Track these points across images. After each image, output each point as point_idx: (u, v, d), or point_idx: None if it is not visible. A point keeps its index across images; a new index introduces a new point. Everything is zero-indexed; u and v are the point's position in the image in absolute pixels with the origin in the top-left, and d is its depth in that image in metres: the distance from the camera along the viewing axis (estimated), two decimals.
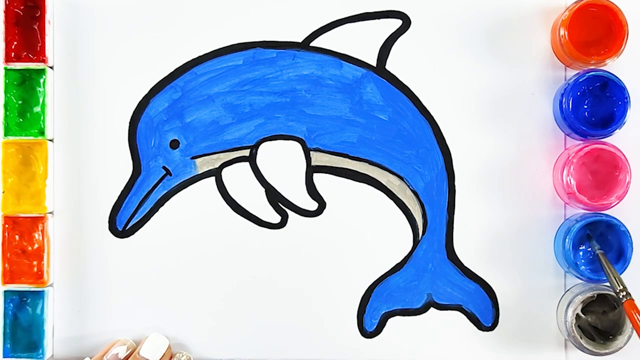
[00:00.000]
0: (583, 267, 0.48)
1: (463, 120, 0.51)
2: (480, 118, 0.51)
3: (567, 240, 0.47)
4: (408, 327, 0.51)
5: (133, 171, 0.51)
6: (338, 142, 0.51)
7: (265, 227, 0.51)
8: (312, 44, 0.51)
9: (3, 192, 0.50)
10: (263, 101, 0.51)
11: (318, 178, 0.51)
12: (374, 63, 0.51)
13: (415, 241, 0.51)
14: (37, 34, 0.51)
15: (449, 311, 0.51)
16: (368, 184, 0.51)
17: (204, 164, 0.51)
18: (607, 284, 0.48)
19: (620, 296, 0.44)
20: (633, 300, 0.44)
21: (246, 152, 0.51)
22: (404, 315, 0.51)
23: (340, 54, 0.51)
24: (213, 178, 0.51)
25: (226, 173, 0.51)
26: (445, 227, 0.51)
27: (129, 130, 0.51)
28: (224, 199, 0.51)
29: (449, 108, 0.51)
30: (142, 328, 0.51)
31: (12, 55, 0.50)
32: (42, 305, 0.50)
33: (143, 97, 0.51)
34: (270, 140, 0.51)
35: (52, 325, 0.51)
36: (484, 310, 0.51)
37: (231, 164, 0.51)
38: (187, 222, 0.51)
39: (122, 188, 0.51)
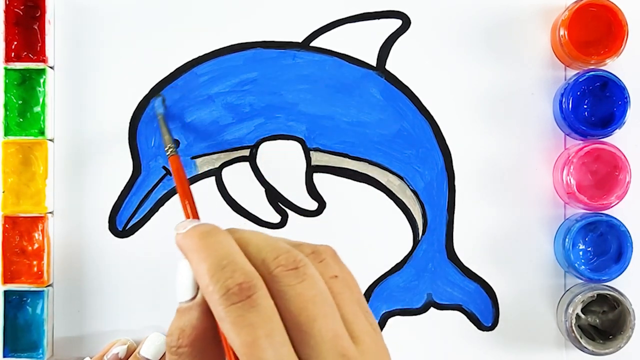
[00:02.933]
0: (583, 267, 0.48)
1: (463, 120, 0.51)
2: (480, 118, 0.51)
3: (567, 240, 0.47)
4: (408, 327, 0.51)
5: (133, 171, 0.51)
6: (338, 142, 0.51)
7: (265, 227, 0.51)
8: (312, 44, 0.51)
9: (3, 192, 0.50)
10: (263, 101, 0.51)
11: (318, 178, 0.51)
12: (374, 63, 0.51)
13: (415, 241, 0.51)
14: (37, 34, 0.51)
15: (449, 311, 0.51)
16: (368, 184, 0.51)
17: (204, 164, 0.51)
18: (607, 284, 0.48)
19: (169, 152, 0.44)
20: (179, 156, 0.44)
21: (246, 152, 0.51)
22: (403, 315, 0.51)
23: (340, 54, 0.51)
24: (213, 178, 0.51)
25: (226, 173, 0.51)
26: (445, 227, 0.51)
27: (129, 130, 0.51)
28: (224, 199, 0.51)
29: (449, 108, 0.51)
30: (142, 328, 0.51)
31: (12, 55, 0.50)
32: (42, 305, 0.50)
33: (143, 97, 0.51)
34: (270, 140, 0.51)
35: (52, 325, 0.51)
36: (484, 310, 0.51)
37: (231, 164, 0.51)
38: None
39: (122, 188, 0.51)
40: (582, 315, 0.48)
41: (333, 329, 0.27)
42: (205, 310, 0.28)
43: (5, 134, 0.50)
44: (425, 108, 0.51)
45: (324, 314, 0.27)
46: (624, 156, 0.47)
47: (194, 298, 0.29)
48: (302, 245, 0.30)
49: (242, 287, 0.26)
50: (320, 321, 0.26)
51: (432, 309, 0.51)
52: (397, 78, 0.51)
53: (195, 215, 0.38)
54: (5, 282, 0.50)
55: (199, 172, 0.51)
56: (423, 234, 0.51)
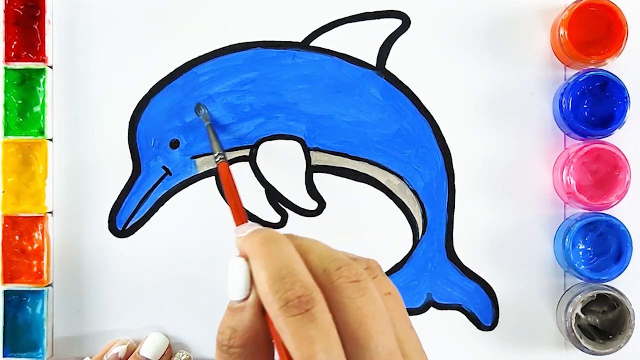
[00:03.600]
0: (583, 267, 0.48)
1: (463, 120, 0.51)
2: (480, 118, 0.51)
3: (567, 240, 0.47)
4: None
5: (133, 171, 0.51)
6: (338, 142, 0.51)
7: (265, 227, 0.51)
8: (312, 44, 0.51)
9: (3, 192, 0.50)
10: (263, 101, 0.51)
11: (318, 178, 0.51)
12: (374, 63, 0.51)
13: (415, 241, 0.51)
14: (37, 34, 0.51)
15: (449, 311, 0.51)
16: (368, 184, 0.51)
17: (204, 164, 0.51)
18: (607, 284, 0.48)
19: (218, 159, 0.45)
20: (227, 163, 0.45)
21: (246, 152, 0.51)
22: None
23: (340, 54, 0.51)
24: (213, 178, 0.51)
25: None
26: (445, 227, 0.51)
27: (129, 130, 0.51)
28: (224, 199, 0.51)
29: (449, 108, 0.51)
30: (142, 328, 0.51)
31: (12, 55, 0.50)
32: (42, 305, 0.50)
33: (143, 97, 0.51)
34: (270, 140, 0.51)
35: (52, 325, 0.51)
36: (484, 310, 0.51)
37: (231, 164, 0.51)
38: (187, 222, 0.51)
39: (122, 188, 0.51)
40: (582, 315, 0.48)
41: (389, 347, 0.27)
42: (258, 312, 0.28)
43: (5, 134, 0.50)
44: (425, 108, 0.51)
45: (382, 330, 0.27)
46: (624, 156, 0.47)
47: (246, 298, 0.28)
48: (358, 260, 0.30)
49: (301, 300, 0.26)
50: (378, 337, 0.26)
51: (432, 309, 0.51)
52: (397, 78, 0.51)
53: (245, 221, 0.38)
54: (5, 282, 0.50)
55: (199, 172, 0.51)
56: (423, 234, 0.51)
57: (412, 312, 0.51)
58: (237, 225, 0.36)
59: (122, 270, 0.51)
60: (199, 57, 0.51)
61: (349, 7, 0.51)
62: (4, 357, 0.50)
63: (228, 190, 0.41)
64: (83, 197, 0.51)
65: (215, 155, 0.46)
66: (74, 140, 0.51)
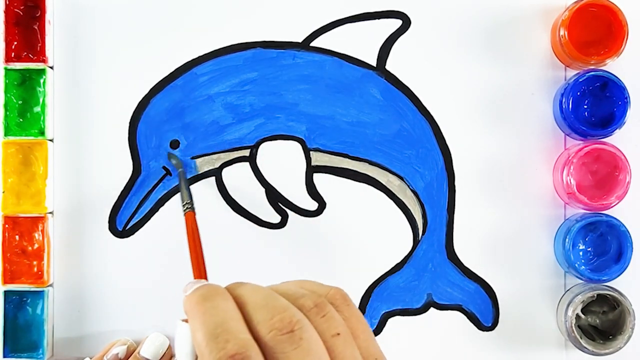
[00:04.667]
0: (583, 267, 0.48)
1: (463, 120, 0.51)
2: (480, 118, 0.51)
3: (567, 240, 0.47)
4: (408, 327, 0.51)
5: (133, 171, 0.51)
6: (338, 142, 0.51)
7: (265, 227, 0.51)
8: (312, 44, 0.51)
9: (3, 192, 0.50)
10: (263, 101, 0.51)
11: (318, 178, 0.51)
12: (374, 63, 0.51)
13: (415, 241, 0.51)
14: (37, 34, 0.51)
15: (449, 311, 0.51)
16: (368, 184, 0.51)
17: (204, 164, 0.51)
18: (607, 284, 0.48)
19: (185, 208, 0.44)
20: (194, 213, 0.43)
21: (246, 152, 0.51)
22: (404, 315, 0.51)
23: (340, 54, 0.51)
24: (213, 178, 0.51)
25: (226, 173, 0.51)
26: (445, 227, 0.51)
27: (129, 130, 0.51)
28: (224, 199, 0.51)
29: (449, 108, 0.51)
30: (142, 328, 0.51)
31: (12, 55, 0.50)
32: (42, 305, 0.50)
33: (143, 97, 0.51)
34: (270, 140, 0.51)
35: (52, 325, 0.51)
36: (484, 310, 0.51)
37: (231, 164, 0.51)
38: None
39: (122, 188, 0.51)
40: (582, 316, 0.48)
41: None
42: None
43: (5, 134, 0.50)
44: (425, 108, 0.51)
45: None
46: (624, 156, 0.47)
47: None
48: (305, 297, 0.28)
49: (235, 358, 0.25)
50: None
51: (432, 309, 0.51)
52: (397, 78, 0.51)
53: (203, 275, 0.37)
54: (5, 282, 0.50)
55: (199, 172, 0.51)
56: (423, 234, 0.51)
57: (412, 312, 0.51)
58: (194, 278, 0.35)
59: (122, 270, 0.51)
60: (199, 57, 0.51)
61: (349, 7, 0.51)
62: (4, 357, 0.50)
63: (191, 242, 0.40)
64: (83, 197, 0.51)
65: (183, 203, 0.45)
66: (74, 140, 0.51)
